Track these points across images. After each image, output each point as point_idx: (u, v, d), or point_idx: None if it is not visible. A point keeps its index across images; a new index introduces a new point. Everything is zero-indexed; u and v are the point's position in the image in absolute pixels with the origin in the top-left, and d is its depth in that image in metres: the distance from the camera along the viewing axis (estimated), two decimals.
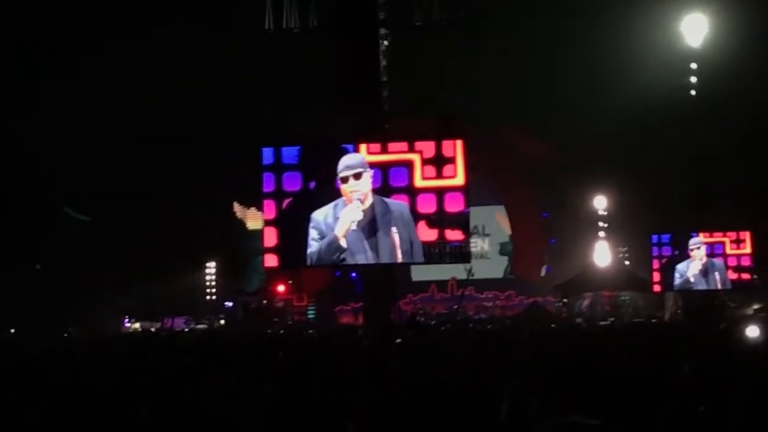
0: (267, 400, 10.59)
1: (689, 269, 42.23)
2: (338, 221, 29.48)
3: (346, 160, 29.71)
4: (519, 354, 15.71)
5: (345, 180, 29.29)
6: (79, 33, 44.61)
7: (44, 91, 44.21)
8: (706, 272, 42.19)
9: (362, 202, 29.12)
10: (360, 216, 29.24)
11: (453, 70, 50.04)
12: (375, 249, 29.73)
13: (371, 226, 29.56)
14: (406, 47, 38.24)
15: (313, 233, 29.86)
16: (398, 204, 29.87)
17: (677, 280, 42.61)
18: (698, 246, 42.33)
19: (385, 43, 35.01)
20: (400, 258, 30.37)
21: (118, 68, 45.71)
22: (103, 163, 47.69)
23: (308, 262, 30.75)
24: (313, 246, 29.94)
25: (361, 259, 30.09)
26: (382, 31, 34.91)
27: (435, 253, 30.51)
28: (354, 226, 29.32)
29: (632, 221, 51.03)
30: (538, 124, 53.28)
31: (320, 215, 29.84)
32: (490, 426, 8.32)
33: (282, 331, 41.05)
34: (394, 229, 29.62)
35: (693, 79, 44.66)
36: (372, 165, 30.18)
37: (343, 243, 29.65)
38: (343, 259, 30.21)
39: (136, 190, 49.34)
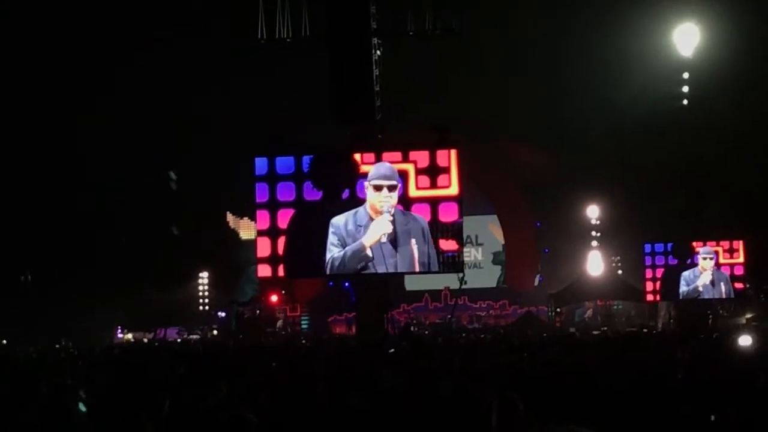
0: (260, 410, 10.56)
1: (700, 279, 42.45)
2: (368, 232, 29.76)
3: (382, 170, 29.91)
4: (511, 363, 15.69)
5: (379, 188, 29.43)
6: (71, 45, 44.59)
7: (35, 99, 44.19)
8: (713, 282, 42.40)
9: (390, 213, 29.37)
10: (390, 229, 29.42)
11: (446, 80, 50.01)
12: (395, 259, 29.90)
13: (393, 238, 29.76)
14: (399, 57, 38.20)
15: (332, 239, 30.07)
16: (418, 217, 30.07)
17: (683, 288, 42.77)
18: (709, 256, 42.49)
19: (378, 52, 34.93)
20: (417, 268, 30.58)
21: (114, 78, 45.70)
22: (96, 174, 47.59)
23: (327, 269, 30.83)
24: (334, 252, 30.10)
25: (382, 269, 30.20)
26: (375, 40, 34.84)
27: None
28: (384, 239, 29.49)
29: (625, 231, 51.00)
30: (531, 134, 53.25)
31: (340, 221, 30.03)
32: None
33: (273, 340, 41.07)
34: (413, 241, 29.83)
35: (685, 89, 44.68)
36: (365, 174, 30.34)
37: (369, 253, 29.77)
38: (366, 268, 30.28)
39: (130, 201, 49.22)
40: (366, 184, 29.89)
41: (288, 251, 31.47)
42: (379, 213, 29.46)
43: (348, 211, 30.19)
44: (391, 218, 29.47)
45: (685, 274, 42.86)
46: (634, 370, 13.29)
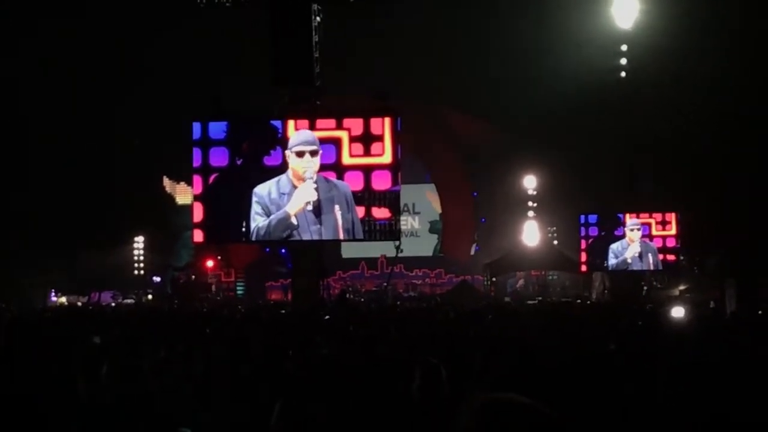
0: (196, 377, 10.56)
1: (628, 250, 42.75)
2: (292, 199, 29.89)
3: (303, 136, 30.14)
4: (444, 332, 15.79)
5: (300, 154, 29.61)
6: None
7: None
8: (641, 255, 42.77)
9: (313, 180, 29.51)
10: (314, 196, 29.54)
11: (386, 48, 49.93)
12: (319, 227, 30.00)
13: (317, 205, 29.85)
14: (339, 23, 38.09)
15: (256, 207, 30.16)
16: (341, 184, 30.18)
17: (611, 260, 43.10)
18: (637, 227, 42.84)
19: (318, 18, 34.84)
20: (342, 236, 30.70)
21: (48, 39, 45.12)
22: (27, 132, 46.98)
23: (253, 237, 30.98)
24: (258, 221, 30.21)
25: (306, 237, 30.30)
26: (315, 6, 34.74)
27: (365, 230, 30.74)
28: (309, 207, 29.60)
29: (561, 201, 51.27)
30: (470, 105, 53.37)
31: (263, 190, 30.11)
32: (406, 401, 8.36)
33: (207, 306, 41.06)
34: (337, 208, 29.95)
35: (623, 61, 44.86)
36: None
37: (294, 221, 29.87)
38: (291, 236, 30.35)
39: (66, 162, 48.72)
40: (287, 152, 30.02)
41: (209, 216, 31.53)
42: (302, 179, 29.56)
43: (270, 180, 30.23)
44: (315, 185, 29.56)
45: (614, 246, 43.17)
46: (568, 341, 13.41)
